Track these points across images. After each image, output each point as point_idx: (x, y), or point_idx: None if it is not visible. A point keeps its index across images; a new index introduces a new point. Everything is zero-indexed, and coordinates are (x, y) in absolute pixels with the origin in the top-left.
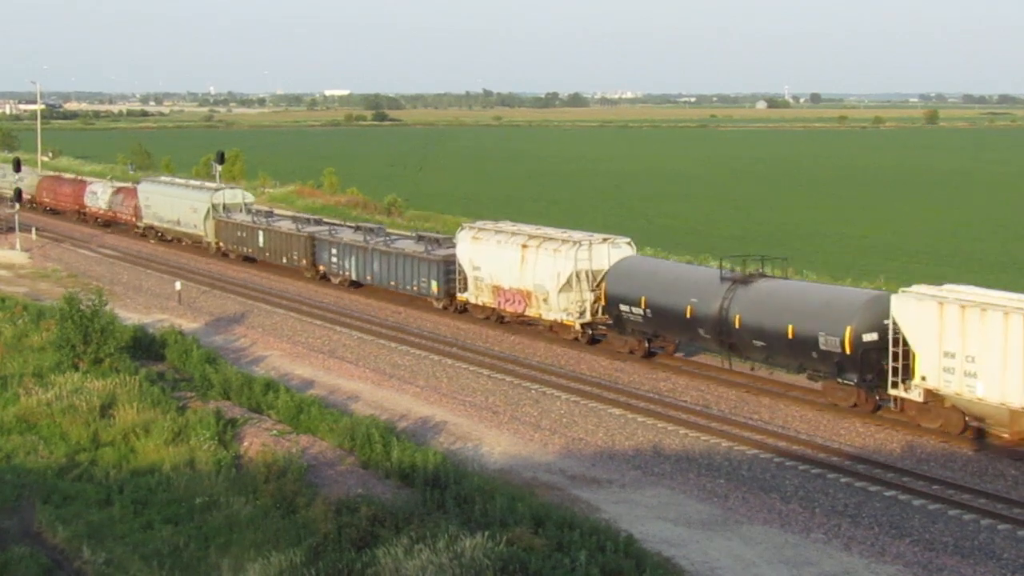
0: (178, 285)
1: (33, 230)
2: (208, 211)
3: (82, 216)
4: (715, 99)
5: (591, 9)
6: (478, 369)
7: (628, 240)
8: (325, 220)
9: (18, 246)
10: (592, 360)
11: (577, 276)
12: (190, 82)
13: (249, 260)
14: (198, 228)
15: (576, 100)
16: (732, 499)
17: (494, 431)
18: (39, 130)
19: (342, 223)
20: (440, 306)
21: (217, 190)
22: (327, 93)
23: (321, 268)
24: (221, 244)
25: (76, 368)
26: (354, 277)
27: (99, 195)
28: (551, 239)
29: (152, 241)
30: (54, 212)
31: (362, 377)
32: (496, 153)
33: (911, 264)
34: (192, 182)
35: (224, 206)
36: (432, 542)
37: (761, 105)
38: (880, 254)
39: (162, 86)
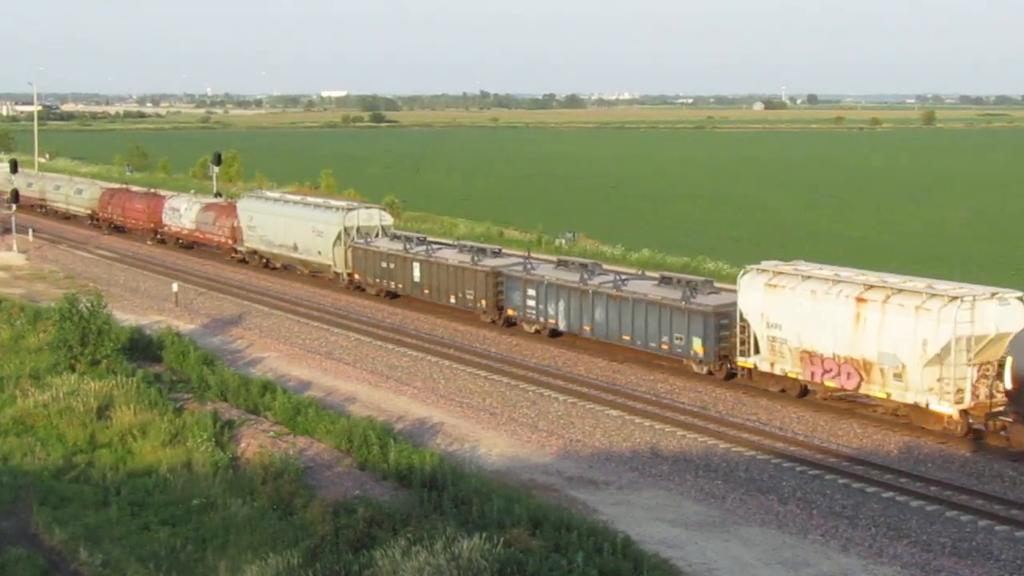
0: (175, 287)
1: (30, 231)
2: (339, 235)
3: (158, 236)
4: (712, 100)
5: (588, 10)
6: (475, 371)
7: (1020, 295)
8: (506, 251)
9: (15, 248)
10: (589, 362)
11: (956, 345)
12: (187, 83)
13: (391, 296)
14: (323, 256)
15: (573, 101)
16: (730, 500)
17: (491, 432)
18: (36, 131)
19: (527, 254)
20: (703, 371)
21: (350, 210)
22: (324, 94)
23: (510, 312)
24: (356, 276)
25: (73, 369)
26: (562, 327)
27: (182, 212)
28: (904, 291)
29: (254, 268)
30: (119, 230)
31: (359, 378)
32: (493, 154)
33: (910, 264)
34: (310, 199)
35: (358, 229)
36: (429, 544)
37: (758, 106)
38: (879, 254)
39: (159, 87)
